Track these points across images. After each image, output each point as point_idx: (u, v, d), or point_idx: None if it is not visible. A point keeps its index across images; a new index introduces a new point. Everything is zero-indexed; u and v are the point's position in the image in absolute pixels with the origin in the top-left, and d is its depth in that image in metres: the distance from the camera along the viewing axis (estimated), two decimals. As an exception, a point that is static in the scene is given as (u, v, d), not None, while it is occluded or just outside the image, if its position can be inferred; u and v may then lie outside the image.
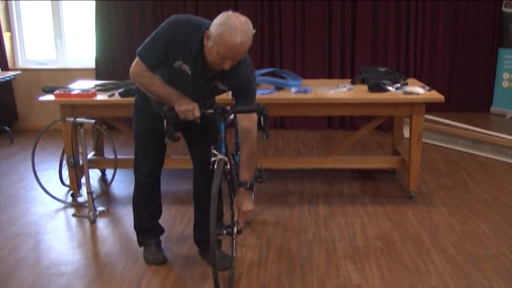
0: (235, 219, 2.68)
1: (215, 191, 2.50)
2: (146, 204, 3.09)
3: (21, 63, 6.17)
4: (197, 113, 2.50)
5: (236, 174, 2.96)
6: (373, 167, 4.38)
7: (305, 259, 3.12)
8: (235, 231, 2.74)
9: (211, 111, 2.59)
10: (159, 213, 3.19)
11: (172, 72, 2.55)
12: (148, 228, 3.14)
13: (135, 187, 3.09)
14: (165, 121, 2.48)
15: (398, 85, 3.98)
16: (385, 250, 3.20)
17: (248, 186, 2.60)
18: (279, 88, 3.99)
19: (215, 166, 2.60)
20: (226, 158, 2.66)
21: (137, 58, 2.55)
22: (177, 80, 2.56)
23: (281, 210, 3.80)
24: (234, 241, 2.93)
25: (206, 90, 2.62)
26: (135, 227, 3.17)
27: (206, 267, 3.02)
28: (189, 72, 2.51)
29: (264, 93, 3.80)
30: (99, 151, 4.50)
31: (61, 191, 4.18)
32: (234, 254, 2.91)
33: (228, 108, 2.60)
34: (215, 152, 2.65)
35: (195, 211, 3.08)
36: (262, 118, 2.54)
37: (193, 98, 2.55)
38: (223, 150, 2.69)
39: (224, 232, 2.69)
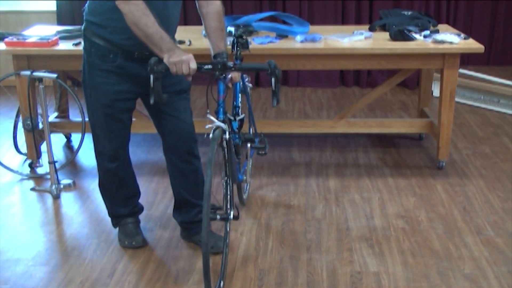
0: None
1: (210, 170, 2.48)
2: (119, 191, 3.07)
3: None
4: (192, 65, 2.48)
5: (234, 145, 2.96)
6: (395, 131, 4.37)
7: (313, 241, 3.14)
8: (231, 216, 2.74)
9: (209, 66, 2.57)
10: (136, 195, 3.19)
11: None
12: (125, 213, 3.14)
13: (100, 173, 3.05)
14: (151, 77, 2.45)
15: (427, 32, 3.95)
16: (408, 232, 3.23)
17: (225, 55, 2.70)
18: (281, 36, 3.96)
19: (211, 135, 2.60)
20: (225, 126, 2.66)
21: None
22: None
23: (283, 184, 3.81)
24: (228, 227, 2.92)
25: None
26: (109, 214, 3.17)
27: (193, 251, 3.04)
28: None
29: (263, 42, 3.77)
30: (62, 112, 4.48)
31: (17, 160, 4.18)
32: (227, 241, 2.90)
33: (231, 64, 2.60)
34: (212, 118, 2.64)
35: (173, 189, 3.08)
36: (273, 80, 2.54)
37: (164, 17, 2.56)
38: (221, 116, 2.69)
39: (218, 217, 2.68)
